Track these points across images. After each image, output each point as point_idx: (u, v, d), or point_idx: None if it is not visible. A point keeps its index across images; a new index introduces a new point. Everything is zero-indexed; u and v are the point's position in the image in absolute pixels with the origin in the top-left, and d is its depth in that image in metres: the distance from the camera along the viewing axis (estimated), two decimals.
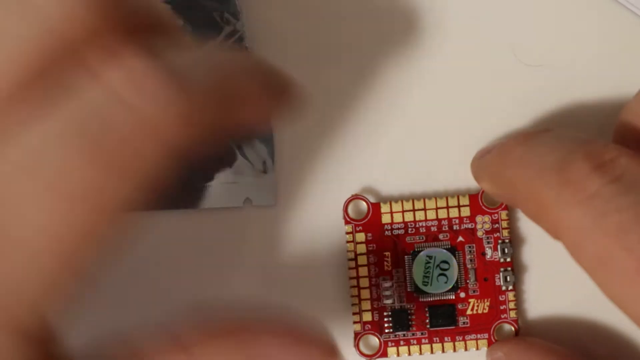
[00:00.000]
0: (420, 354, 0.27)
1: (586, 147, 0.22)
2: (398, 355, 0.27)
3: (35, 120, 0.19)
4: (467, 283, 0.27)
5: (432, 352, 0.27)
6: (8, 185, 0.19)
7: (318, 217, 0.28)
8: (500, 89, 0.28)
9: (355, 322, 0.27)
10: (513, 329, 0.27)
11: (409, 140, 0.28)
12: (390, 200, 0.27)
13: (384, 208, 0.27)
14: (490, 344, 0.27)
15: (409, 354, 0.27)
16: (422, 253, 0.27)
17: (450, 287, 0.27)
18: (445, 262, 0.27)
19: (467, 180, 0.27)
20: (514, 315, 0.27)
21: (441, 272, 0.27)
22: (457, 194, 0.27)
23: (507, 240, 0.27)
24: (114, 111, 0.19)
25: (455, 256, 0.27)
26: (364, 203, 0.27)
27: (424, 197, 0.27)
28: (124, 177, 0.19)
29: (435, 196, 0.27)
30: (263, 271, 0.28)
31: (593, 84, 0.28)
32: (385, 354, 0.27)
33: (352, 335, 0.27)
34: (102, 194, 0.19)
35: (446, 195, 0.27)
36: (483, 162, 0.26)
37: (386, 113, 0.28)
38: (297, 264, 0.28)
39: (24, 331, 0.19)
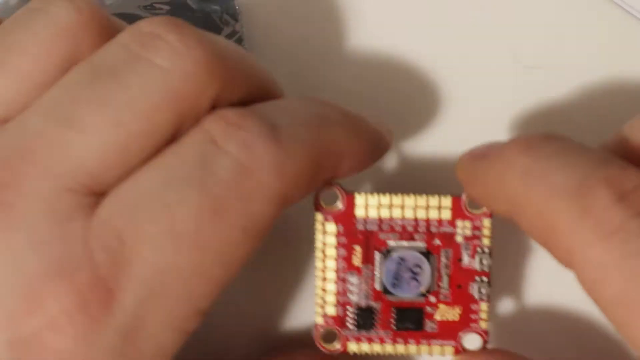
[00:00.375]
0: (382, 353, 0.26)
1: (604, 172, 0.20)
2: (359, 351, 0.26)
3: (149, 167, 0.21)
4: (439, 288, 0.25)
5: (395, 352, 0.26)
6: (129, 225, 0.20)
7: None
8: (499, 91, 0.27)
9: (317, 313, 0.26)
10: (482, 340, 0.26)
11: (402, 140, 0.28)
12: (367, 192, 0.25)
13: (359, 200, 0.25)
14: (456, 351, 0.26)
15: (369, 352, 0.26)
16: (394, 254, 0.25)
17: (420, 292, 0.25)
18: (418, 266, 0.25)
19: (452, 182, 0.25)
20: (485, 327, 0.25)
21: (413, 275, 0.25)
22: (439, 194, 0.25)
23: (486, 250, 0.25)
24: (216, 160, 0.20)
25: (429, 260, 0.25)
26: (338, 192, 0.25)
27: (402, 193, 0.25)
28: (230, 222, 0.20)
29: (415, 194, 0.25)
30: None
31: (592, 87, 0.27)
32: (344, 348, 0.26)
33: (313, 326, 0.26)
34: (212, 236, 0.20)
35: (426, 194, 0.25)
36: (476, 168, 0.24)
37: (383, 115, 0.27)
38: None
39: None
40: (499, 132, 0.27)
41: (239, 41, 0.28)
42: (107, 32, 0.22)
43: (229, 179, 0.20)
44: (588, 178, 0.20)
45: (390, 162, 0.28)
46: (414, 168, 0.27)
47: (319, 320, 0.26)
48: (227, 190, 0.20)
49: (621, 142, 0.23)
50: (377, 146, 0.24)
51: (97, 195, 0.21)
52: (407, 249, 0.25)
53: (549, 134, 0.22)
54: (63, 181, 0.20)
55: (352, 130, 0.23)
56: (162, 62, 0.21)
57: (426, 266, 0.25)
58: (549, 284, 0.27)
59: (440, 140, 0.27)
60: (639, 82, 0.27)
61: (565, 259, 0.21)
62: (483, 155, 0.23)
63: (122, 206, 0.20)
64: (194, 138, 0.21)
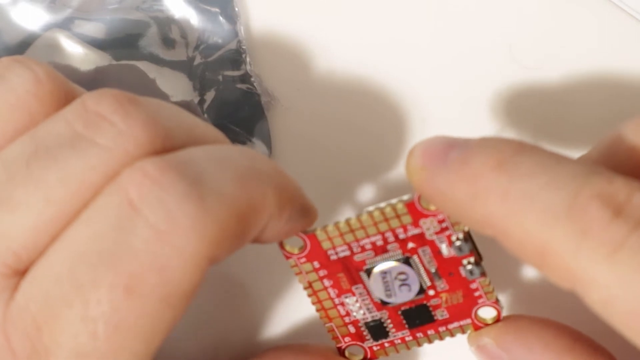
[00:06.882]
0: (408, 349, 0.26)
1: (593, 187, 0.19)
2: (386, 355, 0.26)
3: (62, 242, 0.20)
4: (433, 282, 0.25)
5: (419, 345, 0.26)
6: (44, 311, 0.20)
7: None
8: (497, 91, 0.27)
9: (334, 338, 0.26)
10: (495, 310, 0.25)
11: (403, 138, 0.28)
12: (326, 226, 0.24)
13: (321, 236, 0.24)
14: (475, 327, 0.25)
15: (397, 352, 0.26)
16: (375, 270, 0.24)
17: (416, 293, 0.25)
18: (402, 273, 0.24)
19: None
20: (493, 298, 0.25)
21: (401, 283, 0.25)
22: (392, 206, 0.24)
23: (460, 237, 0.24)
24: (132, 227, 0.19)
25: (410, 264, 0.24)
26: (298, 237, 0.24)
27: (357, 215, 0.24)
28: (147, 295, 0.19)
29: (370, 213, 0.24)
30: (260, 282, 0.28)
31: (591, 87, 0.27)
32: (374, 356, 0.26)
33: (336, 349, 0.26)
34: (129, 313, 0.19)
35: (379, 208, 0.24)
36: (435, 176, 0.21)
37: (379, 112, 0.28)
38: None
39: None
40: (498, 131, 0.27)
41: (238, 42, 0.28)
42: (64, 102, 0.22)
43: (144, 249, 0.19)
44: (578, 195, 0.19)
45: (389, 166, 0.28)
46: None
47: (339, 343, 0.26)
48: (142, 263, 0.19)
49: (614, 144, 0.21)
50: (304, 213, 0.23)
51: (21, 274, 0.20)
52: (385, 263, 0.24)
53: (518, 144, 0.21)
54: None
55: (282, 188, 0.22)
56: (104, 142, 0.21)
57: (410, 270, 0.24)
58: None
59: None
60: (637, 82, 0.26)
61: (566, 282, 0.20)
62: (442, 160, 0.21)
63: (37, 289, 0.20)
64: (109, 199, 0.20)
